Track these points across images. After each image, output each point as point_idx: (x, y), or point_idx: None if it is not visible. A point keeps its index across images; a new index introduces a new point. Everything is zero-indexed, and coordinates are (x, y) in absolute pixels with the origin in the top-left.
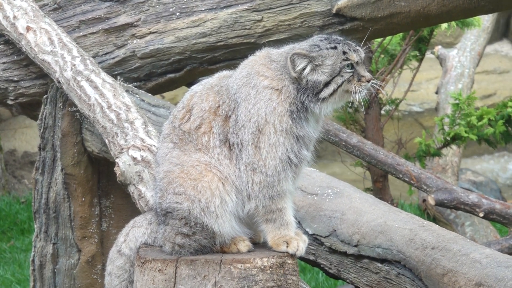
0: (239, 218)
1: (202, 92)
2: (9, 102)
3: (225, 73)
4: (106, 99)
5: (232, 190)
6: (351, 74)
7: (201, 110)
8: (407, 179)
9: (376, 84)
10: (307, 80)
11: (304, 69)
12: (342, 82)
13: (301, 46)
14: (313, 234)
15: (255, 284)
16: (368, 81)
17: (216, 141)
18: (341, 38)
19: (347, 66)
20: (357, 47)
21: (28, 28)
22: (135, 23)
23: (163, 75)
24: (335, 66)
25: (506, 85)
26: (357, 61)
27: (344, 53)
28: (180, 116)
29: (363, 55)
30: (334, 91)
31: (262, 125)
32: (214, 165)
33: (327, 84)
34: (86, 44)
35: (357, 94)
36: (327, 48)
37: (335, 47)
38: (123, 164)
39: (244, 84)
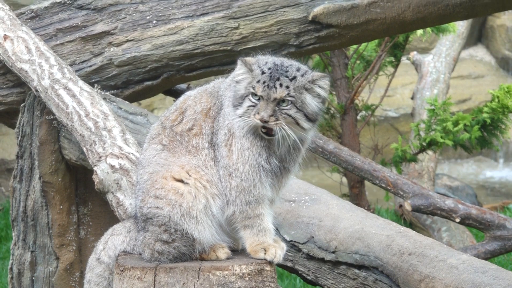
0: (219, 225)
1: (196, 95)
2: None
3: (221, 79)
4: (84, 107)
5: (214, 194)
6: (252, 104)
7: (194, 112)
8: (383, 185)
9: (265, 128)
10: (235, 86)
11: (239, 75)
12: (248, 107)
13: (259, 56)
14: (291, 240)
15: None
16: (260, 120)
17: (205, 143)
18: (293, 70)
19: (253, 95)
20: (278, 85)
21: (5, 37)
22: (112, 31)
23: (140, 82)
24: (245, 89)
25: (481, 90)
26: (262, 96)
27: (258, 81)
28: (172, 118)
29: (278, 95)
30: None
31: (232, 128)
32: (201, 168)
33: (243, 99)
34: (63, 52)
35: (247, 123)
36: (261, 69)
37: (263, 73)
38: (101, 172)
39: (227, 87)
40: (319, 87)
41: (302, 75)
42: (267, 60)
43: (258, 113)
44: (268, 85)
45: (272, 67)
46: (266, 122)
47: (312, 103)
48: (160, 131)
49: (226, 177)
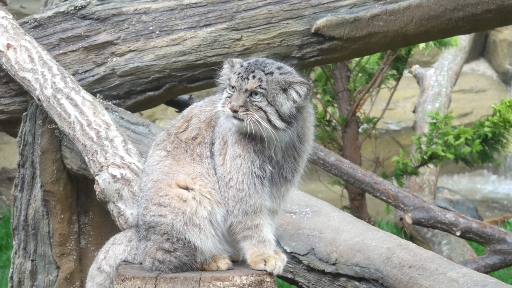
0: (222, 234)
1: (202, 105)
2: None
3: None
4: (86, 117)
5: (218, 202)
6: (229, 95)
7: (199, 121)
8: (384, 198)
9: (237, 117)
10: (219, 85)
11: (222, 71)
12: (226, 98)
13: (248, 59)
14: (291, 252)
15: None
16: (230, 109)
17: (208, 152)
18: (274, 67)
19: (231, 87)
20: (250, 77)
21: (8, 46)
22: (115, 41)
23: (142, 93)
24: (225, 81)
25: (482, 104)
26: (235, 86)
27: (234, 73)
28: (178, 125)
29: (249, 86)
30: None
31: (226, 136)
32: (205, 176)
33: (223, 92)
34: (66, 62)
35: (224, 113)
36: (241, 64)
37: (241, 66)
38: (103, 181)
39: None
40: (295, 91)
41: (281, 74)
42: (252, 59)
43: (230, 103)
44: (242, 76)
45: (252, 62)
46: (236, 111)
47: (284, 104)
48: (165, 138)
49: (224, 187)
